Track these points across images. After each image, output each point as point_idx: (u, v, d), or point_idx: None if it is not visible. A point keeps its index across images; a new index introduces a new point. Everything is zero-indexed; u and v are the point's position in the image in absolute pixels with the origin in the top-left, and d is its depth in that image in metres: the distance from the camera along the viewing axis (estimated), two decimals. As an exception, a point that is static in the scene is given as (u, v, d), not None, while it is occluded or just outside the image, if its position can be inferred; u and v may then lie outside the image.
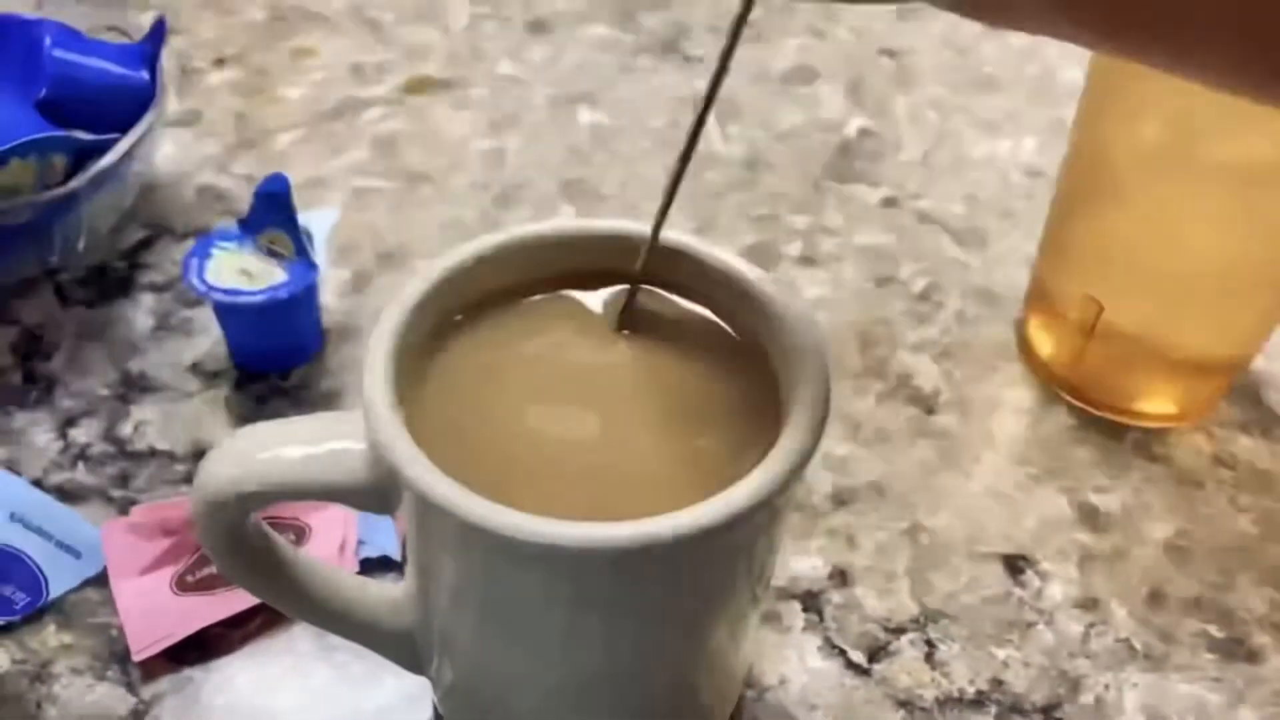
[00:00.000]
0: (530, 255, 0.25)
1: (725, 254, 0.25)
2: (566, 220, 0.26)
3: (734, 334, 0.25)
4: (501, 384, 0.24)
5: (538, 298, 0.25)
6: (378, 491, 0.22)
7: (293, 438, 0.23)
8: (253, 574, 0.24)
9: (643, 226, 0.25)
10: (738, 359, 0.24)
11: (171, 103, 0.50)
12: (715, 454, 0.23)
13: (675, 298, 0.26)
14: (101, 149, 0.39)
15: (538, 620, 0.23)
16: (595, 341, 0.25)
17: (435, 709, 0.30)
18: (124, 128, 0.40)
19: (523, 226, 0.25)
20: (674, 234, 0.25)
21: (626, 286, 0.25)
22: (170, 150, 0.47)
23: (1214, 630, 0.33)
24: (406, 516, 0.22)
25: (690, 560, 0.22)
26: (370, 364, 0.22)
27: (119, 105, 0.40)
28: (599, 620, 0.23)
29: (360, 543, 0.33)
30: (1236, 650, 0.32)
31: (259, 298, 0.36)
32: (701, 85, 0.52)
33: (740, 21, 0.22)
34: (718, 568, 0.22)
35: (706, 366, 0.24)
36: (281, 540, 0.25)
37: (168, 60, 0.49)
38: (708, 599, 0.23)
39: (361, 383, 0.22)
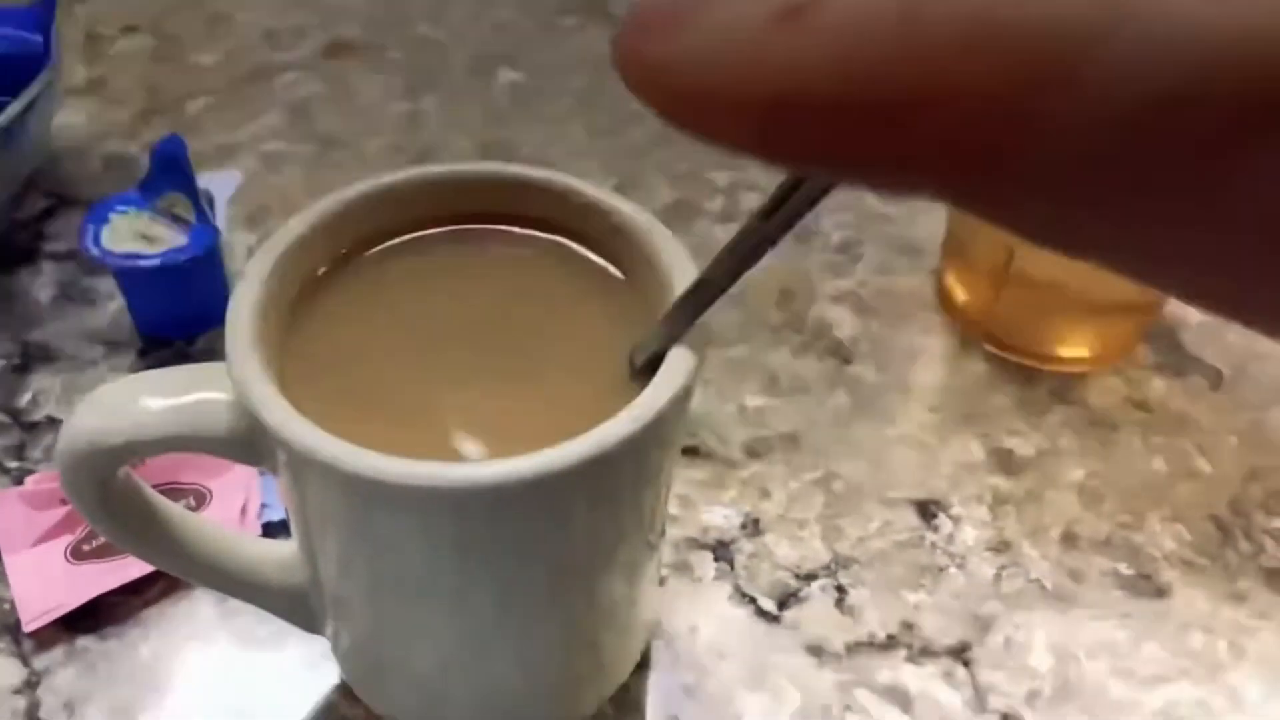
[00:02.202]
0: (401, 200, 0.24)
1: (601, 191, 0.24)
2: (436, 165, 0.25)
3: (617, 274, 0.25)
4: (375, 330, 0.23)
5: (411, 242, 0.25)
6: (246, 442, 0.21)
7: (158, 389, 0.22)
8: (126, 531, 0.24)
9: (505, 166, 0.24)
10: (619, 298, 0.24)
11: (77, 70, 0.49)
12: (592, 393, 0.22)
13: (555, 238, 0.25)
14: (-8, 114, 0.38)
15: (421, 572, 0.23)
16: (469, 285, 0.24)
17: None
18: (17, 93, 0.38)
19: (393, 172, 0.24)
20: (557, 175, 0.25)
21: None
22: (75, 118, 0.46)
23: (1123, 568, 0.33)
24: (279, 468, 0.22)
25: (568, 500, 0.21)
26: (234, 310, 0.22)
27: (11, 70, 0.39)
28: (484, 569, 0.22)
29: (263, 505, 0.32)
30: (1144, 587, 0.32)
31: (156, 261, 0.35)
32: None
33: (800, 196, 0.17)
34: (597, 508, 0.22)
35: (586, 306, 0.24)
36: (157, 496, 0.24)
37: (71, 27, 0.48)
38: (594, 543, 0.23)
39: (226, 329, 0.21)
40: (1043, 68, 0.09)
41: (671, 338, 0.21)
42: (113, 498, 0.23)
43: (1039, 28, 0.09)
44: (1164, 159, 0.09)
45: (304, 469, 0.21)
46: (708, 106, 0.10)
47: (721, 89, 0.10)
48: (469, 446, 0.22)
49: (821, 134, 0.10)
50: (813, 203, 0.18)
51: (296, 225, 0.23)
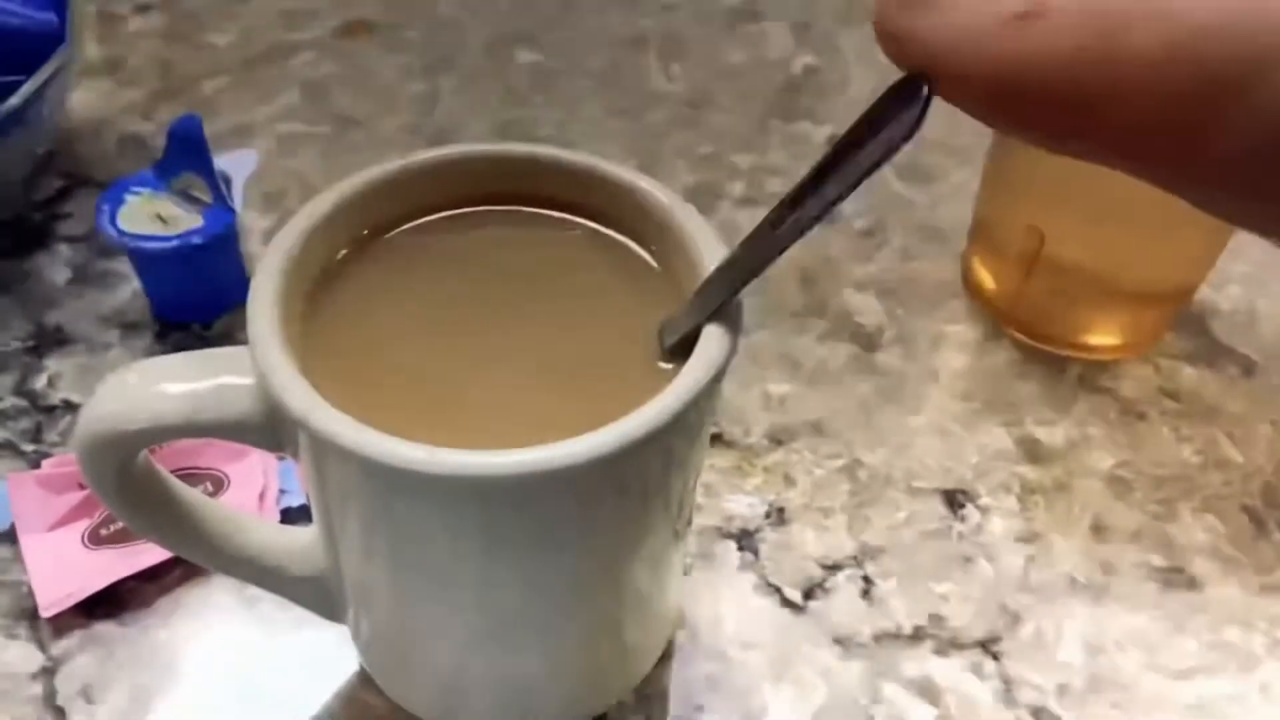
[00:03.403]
0: (424, 181, 0.24)
1: (627, 171, 0.24)
2: (462, 145, 0.24)
3: (645, 255, 0.24)
4: (398, 314, 0.23)
5: (433, 223, 0.24)
6: (268, 428, 0.21)
7: (178, 373, 0.22)
8: (145, 517, 0.23)
9: (532, 147, 0.24)
10: (647, 280, 0.23)
11: (91, 49, 0.48)
12: (621, 379, 0.22)
13: (580, 219, 0.24)
14: (6, 93, 0.37)
15: (445, 561, 0.22)
16: (494, 267, 0.24)
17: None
18: (32, 72, 0.38)
19: (414, 153, 0.24)
20: (581, 156, 0.24)
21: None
22: (90, 98, 0.45)
23: (1155, 560, 0.32)
24: (301, 454, 0.21)
25: (596, 489, 0.21)
26: (257, 293, 0.21)
27: (25, 49, 0.38)
28: (509, 558, 0.22)
29: (282, 491, 0.32)
30: (1177, 579, 0.32)
31: (173, 243, 0.34)
32: (650, 27, 0.51)
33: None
34: (625, 497, 0.21)
35: (612, 289, 0.23)
36: (176, 482, 0.24)
37: (85, 5, 0.47)
38: (621, 533, 0.23)
39: (247, 312, 0.21)
40: (1224, 82, 0.13)
41: (704, 314, 0.21)
42: (131, 483, 0.22)
43: (1226, 49, 0.13)
44: None
45: (327, 456, 0.20)
46: (952, 78, 0.14)
47: (964, 67, 0.14)
48: (494, 433, 0.21)
49: (1039, 111, 0.14)
50: (854, 184, 0.17)
51: (316, 208, 0.23)
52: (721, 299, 0.20)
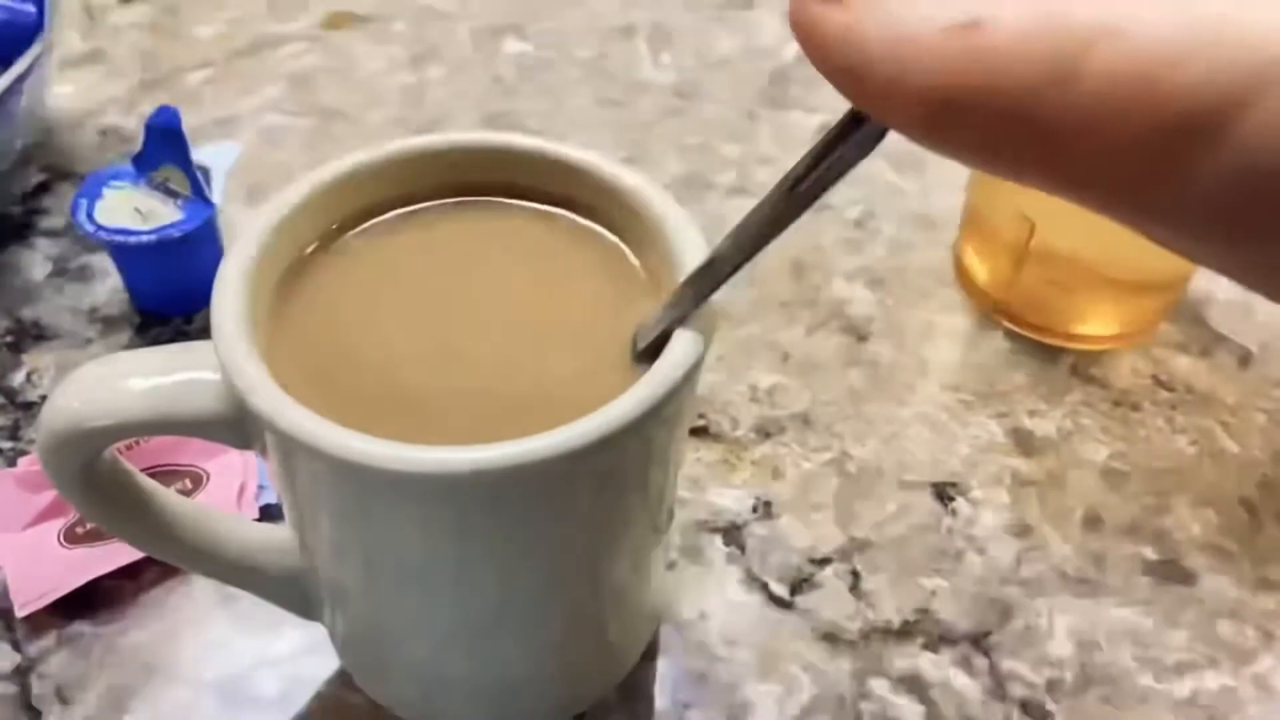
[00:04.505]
0: (395, 173, 0.23)
1: (605, 162, 0.23)
2: (435, 135, 0.24)
3: (623, 248, 0.23)
4: (369, 308, 0.22)
5: (406, 216, 0.24)
6: (233, 424, 0.20)
7: (143, 368, 0.21)
8: (113, 516, 0.23)
9: (508, 137, 0.23)
10: (625, 273, 0.23)
11: (74, 41, 0.48)
12: (596, 373, 0.21)
13: (557, 211, 0.24)
14: (-17, 85, 0.37)
15: (419, 559, 0.22)
16: (468, 260, 0.23)
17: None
18: (10, 64, 0.37)
19: (385, 144, 0.23)
20: (561, 147, 0.24)
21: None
22: (71, 91, 0.45)
23: (1148, 553, 0.32)
24: (269, 452, 0.21)
25: (571, 485, 0.20)
26: (222, 288, 0.21)
27: (3, 40, 0.38)
28: (484, 555, 0.22)
29: (260, 488, 0.31)
30: (1170, 572, 0.31)
31: (151, 237, 0.34)
32: (639, 15, 0.50)
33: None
34: (598, 493, 0.21)
35: (590, 281, 0.23)
36: (146, 480, 0.23)
37: (66, -4, 0.47)
38: (599, 529, 0.22)
39: (211, 307, 0.20)
40: (1191, 129, 0.11)
41: (677, 320, 0.20)
42: (97, 481, 0.22)
43: (1192, 97, 0.11)
44: None
45: (294, 454, 0.20)
46: (881, 89, 0.12)
47: (894, 81, 0.12)
48: (467, 430, 0.20)
49: (981, 138, 0.12)
50: (829, 183, 0.16)
51: (284, 200, 0.22)
52: (695, 304, 0.20)
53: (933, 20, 0.12)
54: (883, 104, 0.13)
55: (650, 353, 0.20)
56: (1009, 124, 0.12)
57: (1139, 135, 0.11)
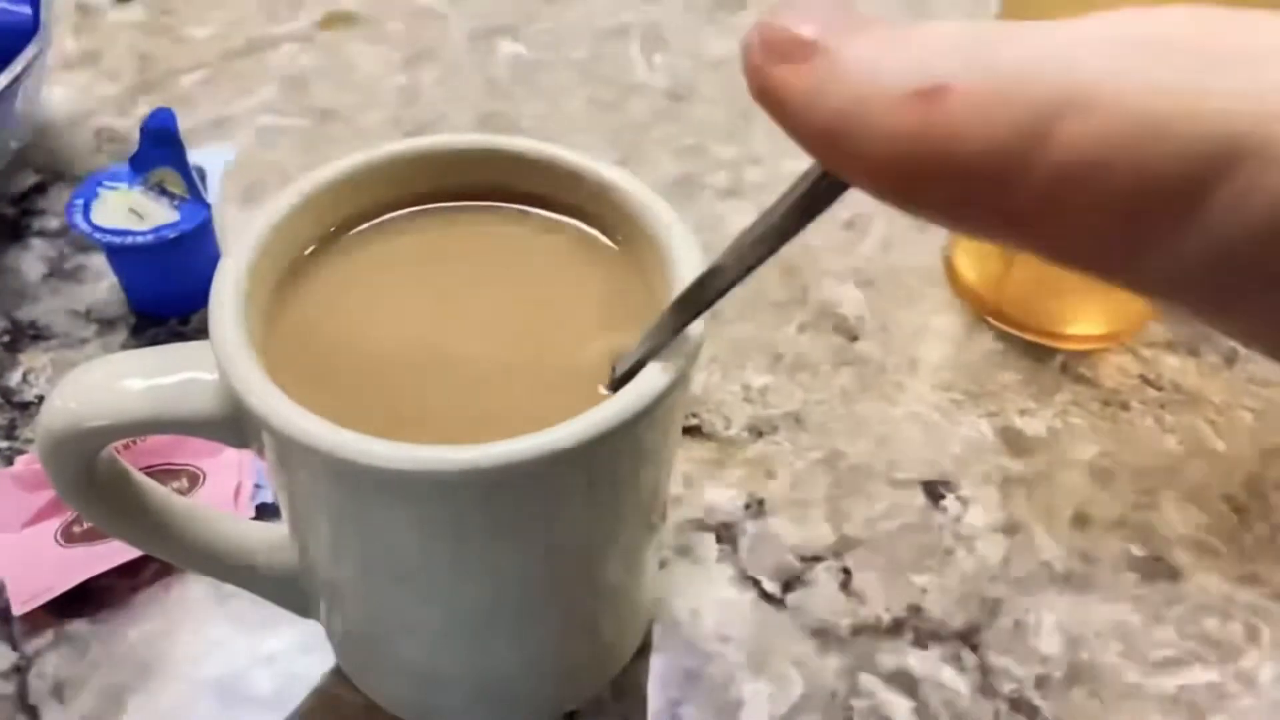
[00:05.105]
0: (391, 176, 0.23)
1: (599, 165, 0.23)
2: (427, 139, 0.24)
3: (617, 250, 0.24)
4: (365, 310, 0.22)
5: (402, 219, 0.24)
6: (231, 424, 0.21)
7: (141, 369, 0.21)
8: (111, 516, 0.23)
9: (504, 139, 0.24)
10: (619, 275, 0.23)
11: (68, 43, 0.48)
12: (589, 374, 0.21)
13: (551, 214, 0.24)
14: (-21, 87, 0.37)
15: (414, 558, 0.22)
16: (463, 263, 0.23)
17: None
18: (5, 65, 0.38)
19: (381, 146, 0.23)
20: (553, 148, 0.24)
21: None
22: (66, 92, 0.45)
23: (1135, 550, 0.32)
24: (266, 451, 0.21)
25: (564, 484, 0.20)
26: (220, 289, 0.21)
27: (-1, 41, 0.38)
28: (478, 554, 0.22)
29: (257, 487, 0.32)
30: (1157, 569, 0.32)
31: (147, 238, 0.34)
32: (633, 17, 0.50)
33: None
34: (592, 491, 0.21)
35: (584, 284, 0.23)
36: (144, 479, 0.24)
37: (61, -2, 0.47)
38: (592, 527, 0.22)
39: (209, 308, 0.21)
40: (1162, 205, 0.10)
41: (653, 351, 0.20)
42: (95, 481, 0.22)
43: (1163, 173, 0.10)
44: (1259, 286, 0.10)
45: (290, 453, 0.20)
46: (843, 155, 0.12)
47: (855, 147, 0.12)
48: (462, 429, 0.21)
49: (949, 208, 0.12)
50: (816, 212, 0.16)
51: (282, 201, 0.22)
52: (670, 336, 0.19)
53: (892, 88, 0.11)
54: (846, 169, 0.12)
55: (628, 380, 0.20)
56: (974, 194, 0.11)
57: (1108, 210, 0.11)
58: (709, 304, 0.19)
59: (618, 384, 0.20)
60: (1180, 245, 0.11)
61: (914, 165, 0.11)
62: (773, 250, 0.17)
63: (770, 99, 0.13)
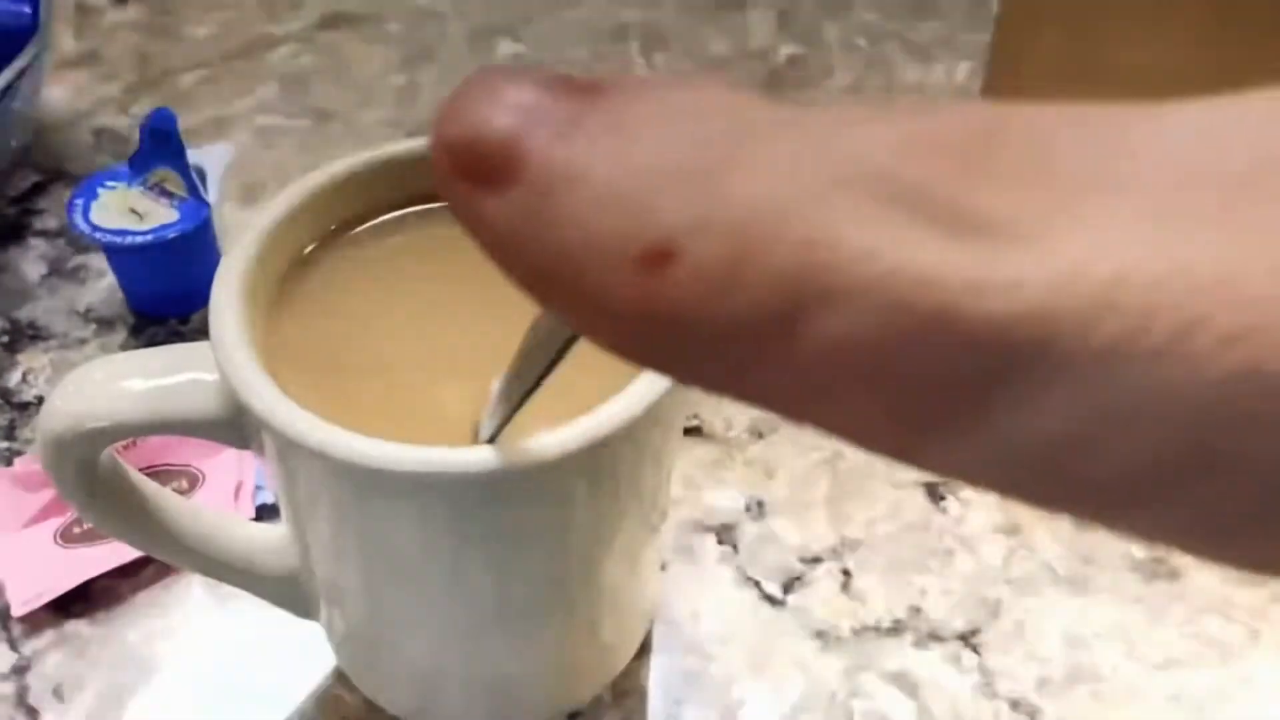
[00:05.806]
0: (392, 175, 0.23)
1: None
2: (427, 139, 0.24)
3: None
4: (365, 310, 0.22)
5: (402, 218, 0.24)
6: (232, 425, 0.21)
7: (142, 370, 0.21)
8: (112, 516, 0.23)
9: None
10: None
11: (67, 42, 0.48)
12: (590, 375, 0.21)
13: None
14: (-22, 86, 0.37)
15: (415, 559, 0.22)
16: (463, 263, 0.23)
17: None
18: (4, 65, 0.38)
19: (382, 146, 0.23)
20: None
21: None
22: (65, 92, 0.45)
23: (1136, 551, 0.32)
24: (266, 452, 0.21)
25: (566, 486, 0.20)
26: (220, 289, 0.21)
27: (-2, 41, 0.38)
28: (480, 556, 0.22)
29: (257, 487, 0.31)
30: (1158, 570, 0.32)
31: (147, 238, 0.34)
32: (632, 17, 0.50)
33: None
34: (595, 492, 0.21)
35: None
36: (144, 480, 0.23)
37: (60, -3, 0.47)
38: (594, 529, 0.22)
39: (210, 308, 0.21)
40: (930, 420, 0.09)
41: (510, 414, 0.18)
42: (97, 482, 0.22)
43: (923, 390, 0.09)
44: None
45: (290, 454, 0.20)
46: (561, 303, 0.10)
47: (584, 307, 0.09)
48: (462, 431, 0.21)
49: (688, 376, 0.10)
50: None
51: (283, 201, 0.22)
52: (526, 390, 0.17)
53: (609, 246, 0.09)
54: (568, 318, 0.10)
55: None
56: (717, 374, 0.09)
57: (878, 404, 0.09)
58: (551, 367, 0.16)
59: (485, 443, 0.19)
60: (972, 440, 0.09)
61: (642, 340, 0.09)
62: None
63: (469, 228, 0.10)
